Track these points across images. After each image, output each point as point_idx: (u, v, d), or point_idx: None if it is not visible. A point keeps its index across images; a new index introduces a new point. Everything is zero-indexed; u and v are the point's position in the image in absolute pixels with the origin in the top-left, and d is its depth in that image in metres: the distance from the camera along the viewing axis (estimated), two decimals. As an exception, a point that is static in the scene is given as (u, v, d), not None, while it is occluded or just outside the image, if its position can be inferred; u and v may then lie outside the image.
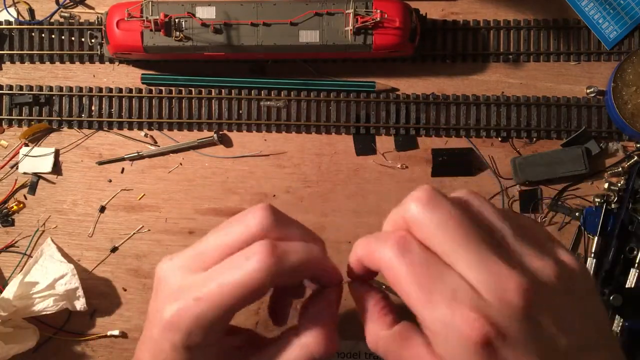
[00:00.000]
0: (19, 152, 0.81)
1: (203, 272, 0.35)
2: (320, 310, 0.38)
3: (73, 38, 0.82)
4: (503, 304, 0.29)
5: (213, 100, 0.81)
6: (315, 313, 0.38)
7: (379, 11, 0.72)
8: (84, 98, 0.81)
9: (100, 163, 0.81)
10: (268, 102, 0.80)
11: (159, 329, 0.34)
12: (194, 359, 0.36)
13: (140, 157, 0.81)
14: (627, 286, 0.75)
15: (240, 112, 0.81)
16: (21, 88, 0.82)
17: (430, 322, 0.30)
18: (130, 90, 0.81)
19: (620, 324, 0.74)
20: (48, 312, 0.75)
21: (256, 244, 0.34)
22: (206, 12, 0.74)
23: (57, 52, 0.82)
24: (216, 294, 0.33)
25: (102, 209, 0.81)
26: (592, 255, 0.77)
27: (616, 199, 0.77)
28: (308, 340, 0.37)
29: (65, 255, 0.80)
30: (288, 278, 0.35)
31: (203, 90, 0.81)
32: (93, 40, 0.82)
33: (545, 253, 0.32)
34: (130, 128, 0.81)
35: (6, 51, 0.82)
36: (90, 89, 0.82)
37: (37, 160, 0.81)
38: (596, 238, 0.77)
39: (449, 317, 0.29)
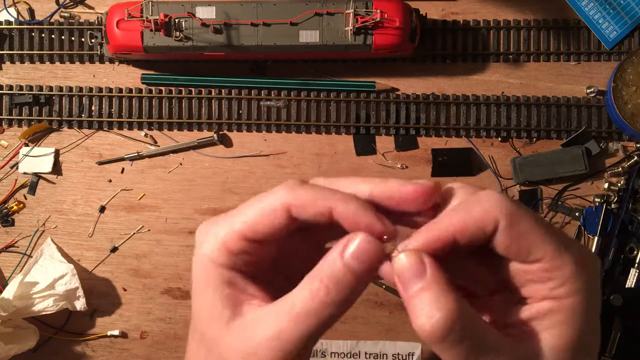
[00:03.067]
0: (19, 152, 0.81)
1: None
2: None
3: (73, 38, 0.82)
4: None
5: (213, 100, 0.81)
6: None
7: (379, 11, 0.72)
8: (84, 98, 0.81)
9: (100, 163, 0.81)
10: (268, 102, 0.80)
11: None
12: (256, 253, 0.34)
13: (140, 157, 0.81)
14: (627, 286, 0.75)
15: (240, 112, 0.81)
16: (21, 88, 0.82)
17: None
18: (130, 90, 0.81)
19: (620, 324, 0.74)
20: (48, 312, 0.75)
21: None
22: (206, 12, 0.74)
23: (57, 52, 0.82)
24: (237, 222, 0.33)
25: (102, 209, 0.81)
26: (592, 255, 0.77)
27: (616, 199, 0.77)
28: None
29: (65, 255, 0.80)
30: (312, 209, 0.32)
31: (203, 90, 0.81)
32: (93, 40, 0.82)
33: None
34: (130, 128, 0.81)
35: (6, 51, 0.82)
36: (90, 89, 0.81)
37: (37, 160, 0.81)
38: (596, 238, 0.77)
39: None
